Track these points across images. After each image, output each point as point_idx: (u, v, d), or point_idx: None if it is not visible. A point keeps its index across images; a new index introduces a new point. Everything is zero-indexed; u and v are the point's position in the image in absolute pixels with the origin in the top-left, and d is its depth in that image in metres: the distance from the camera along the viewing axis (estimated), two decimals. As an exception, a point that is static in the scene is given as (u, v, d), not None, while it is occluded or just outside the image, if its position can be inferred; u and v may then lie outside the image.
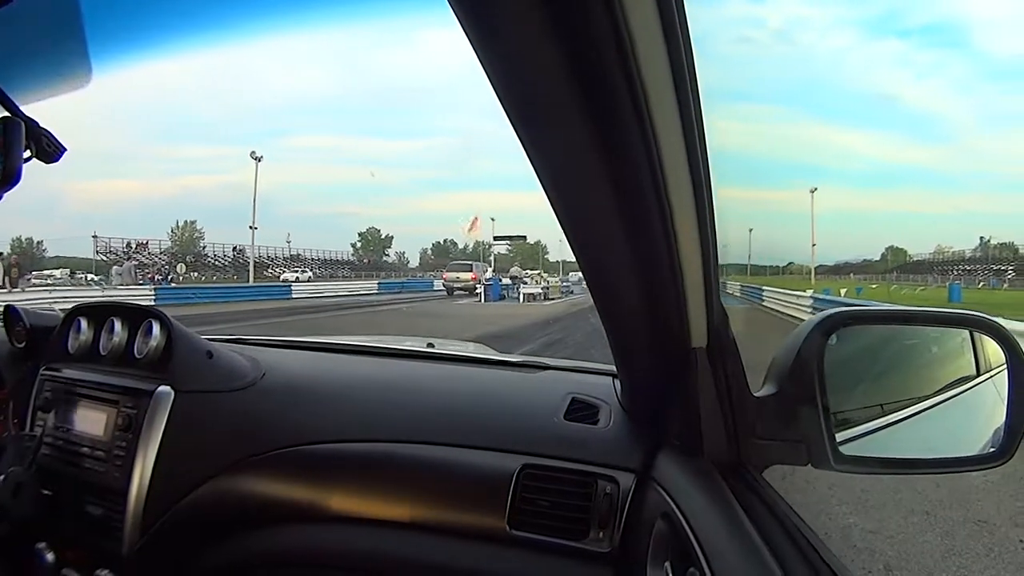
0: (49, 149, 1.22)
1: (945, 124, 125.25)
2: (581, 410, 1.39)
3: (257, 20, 1.09)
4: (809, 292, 22.44)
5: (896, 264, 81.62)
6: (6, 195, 1.16)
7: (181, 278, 44.15)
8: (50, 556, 1.49)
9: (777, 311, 21.16)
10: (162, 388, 1.45)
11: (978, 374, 1.06)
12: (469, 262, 41.09)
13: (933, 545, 3.89)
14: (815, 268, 61.05)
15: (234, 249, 57.07)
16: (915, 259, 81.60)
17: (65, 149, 1.23)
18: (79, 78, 1.21)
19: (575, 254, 0.92)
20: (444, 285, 35.99)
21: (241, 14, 1.09)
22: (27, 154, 1.18)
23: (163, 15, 1.14)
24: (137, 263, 43.12)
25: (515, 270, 44.23)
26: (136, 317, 1.59)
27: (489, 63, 0.64)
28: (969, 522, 4.24)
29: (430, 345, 2.04)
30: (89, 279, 37.35)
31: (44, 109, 1.22)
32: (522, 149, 0.75)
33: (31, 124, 1.17)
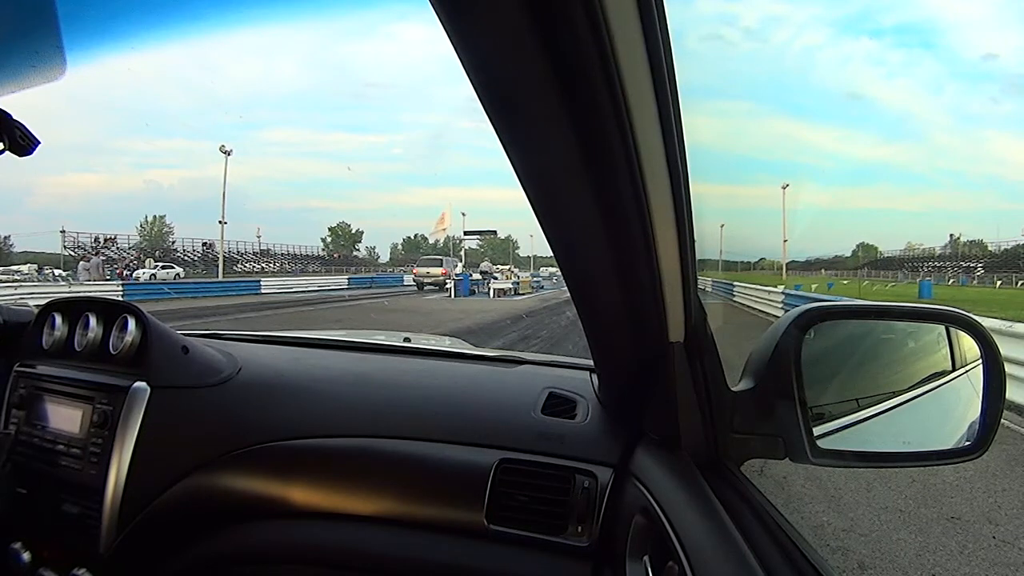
0: (23, 142, 1.19)
1: (916, 123, 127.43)
2: (558, 404, 1.39)
3: (230, 13, 1.07)
4: (780, 288, 22.66)
5: (867, 260, 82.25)
6: None
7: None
8: (26, 555, 1.48)
9: (748, 306, 21.39)
10: (138, 384, 1.44)
11: (954, 369, 1.08)
12: (439, 257, 40.65)
13: (907, 543, 3.91)
14: (786, 264, 61.77)
15: (204, 244, 56.31)
16: (886, 256, 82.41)
17: (39, 142, 1.21)
18: (53, 70, 1.18)
19: (552, 249, 0.92)
20: (414, 280, 35.80)
21: (213, 7, 1.06)
22: None
23: (136, 6, 1.11)
24: (105, 258, 42.31)
25: (485, 265, 43.88)
26: (111, 312, 1.57)
27: (468, 59, 0.63)
28: (943, 519, 4.27)
29: (407, 340, 2.02)
30: (56, 275, 36.60)
31: (14, 101, 1.19)
32: (500, 144, 0.74)
33: (5, 117, 1.14)
